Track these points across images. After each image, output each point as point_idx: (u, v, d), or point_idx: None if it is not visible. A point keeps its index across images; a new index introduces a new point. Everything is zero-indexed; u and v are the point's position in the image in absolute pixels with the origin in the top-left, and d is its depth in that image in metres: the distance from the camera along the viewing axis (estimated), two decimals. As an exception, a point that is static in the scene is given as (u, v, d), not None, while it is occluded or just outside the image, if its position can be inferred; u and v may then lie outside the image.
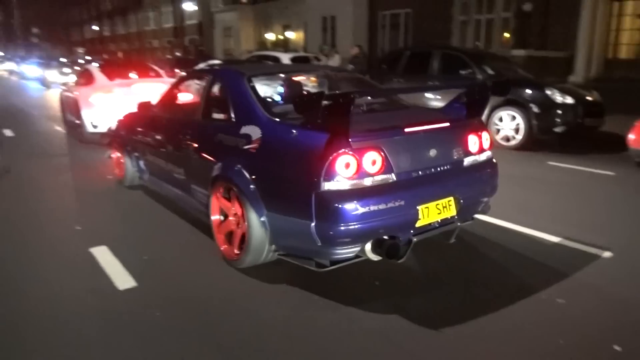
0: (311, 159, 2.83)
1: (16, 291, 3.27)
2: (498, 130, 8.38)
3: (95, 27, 57.71)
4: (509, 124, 8.23)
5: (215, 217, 3.64)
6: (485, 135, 3.49)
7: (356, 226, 2.79)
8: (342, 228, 2.78)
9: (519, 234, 4.22)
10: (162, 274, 3.50)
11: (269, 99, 3.89)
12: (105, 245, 3.97)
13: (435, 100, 8.60)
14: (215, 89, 4.04)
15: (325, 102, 2.81)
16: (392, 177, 2.96)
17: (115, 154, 5.77)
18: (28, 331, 2.80)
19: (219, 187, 3.53)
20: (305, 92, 3.95)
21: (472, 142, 3.38)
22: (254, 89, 3.63)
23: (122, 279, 3.39)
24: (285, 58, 13.53)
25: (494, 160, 3.61)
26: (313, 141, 2.88)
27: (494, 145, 3.63)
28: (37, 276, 3.49)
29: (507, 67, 9.55)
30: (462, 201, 3.22)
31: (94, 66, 9.79)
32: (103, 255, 3.79)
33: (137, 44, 44.71)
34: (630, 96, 10.25)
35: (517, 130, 8.15)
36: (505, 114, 8.26)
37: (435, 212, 3.09)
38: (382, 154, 2.91)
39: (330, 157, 2.77)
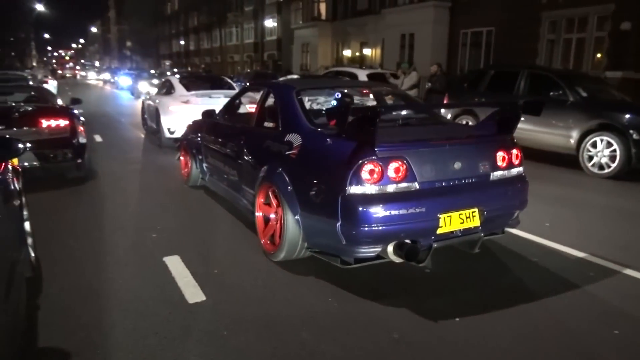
0: (340, 165, 3.13)
1: (90, 295, 3.30)
2: (590, 157, 7.72)
3: (182, 42, 60.88)
4: (603, 150, 7.56)
5: (259, 214, 4.01)
6: (514, 151, 3.62)
7: (377, 228, 3.03)
8: (364, 229, 3.03)
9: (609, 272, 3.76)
10: (231, 290, 3.41)
11: (318, 110, 4.24)
12: (178, 254, 3.96)
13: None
14: (268, 101, 4.47)
15: (352, 115, 3.18)
16: (415, 185, 3.18)
17: (183, 157, 6.33)
18: (95, 336, 2.78)
19: (264, 187, 3.90)
20: (336, 105, 4.25)
21: (500, 157, 3.54)
22: (300, 101, 4.01)
23: (192, 292, 3.33)
24: (362, 74, 13.39)
25: (524, 176, 3.72)
26: (342, 149, 3.19)
27: (521, 161, 3.72)
28: (113, 281, 3.52)
29: (602, 89, 8.85)
30: (486, 213, 3.37)
31: (174, 77, 10.47)
32: (175, 265, 3.77)
33: (220, 58, 46.62)
34: None
35: (612, 158, 7.46)
36: (600, 139, 7.61)
37: (457, 221, 3.26)
38: (406, 163, 3.15)
39: (356, 164, 3.06)
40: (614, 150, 7.43)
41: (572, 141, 7.98)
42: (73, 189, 6.12)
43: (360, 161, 3.06)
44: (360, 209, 3.03)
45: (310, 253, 3.59)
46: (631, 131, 7.27)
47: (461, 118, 9.89)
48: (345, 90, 4.85)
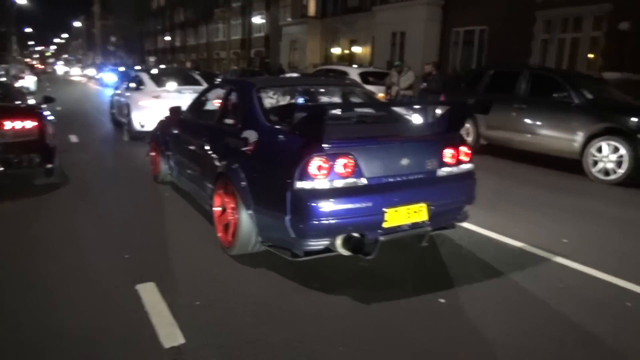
0: (289, 161, 3.23)
1: (43, 338, 2.75)
2: (595, 162, 7.33)
3: (167, 38, 59.88)
4: (610, 155, 7.17)
5: (216, 209, 4.10)
6: (463, 149, 3.76)
7: (325, 222, 3.14)
8: (312, 222, 3.13)
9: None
10: (216, 329, 2.88)
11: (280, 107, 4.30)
12: (153, 281, 3.42)
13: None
14: (231, 98, 4.52)
15: (301, 112, 3.38)
16: (363, 180, 3.30)
17: (153, 153, 6.30)
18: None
19: (221, 183, 4.00)
20: (283, 104, 4.33)
21: (449, 154, 3.66)
22: (259, 98, 4.10)
23: (169, 332, 2.80)
24: (354, 73, 12.96)
25: (472, 172, 3.83)
26: (292, 145, 3.32)
27: (471, 156, 3.84)
28: (73, 318, 2.97)
29: (606, 90, 8.47)
30: (433, 208, 3.48)
31: (144, 73, 10.72)
32: (150, 295, 3.24)
33: (206, 54, 45.77)
34: None
35: (619, 164, 7.07)
36: (606, 144, 7.21)
37: (405, 215, 3.38)
38: (354, 159, 3.26)
39: (304, 160, 3.16)
40: (621, 156, 7.03)
41: (576, 145, 7.58)
42: (39, 199, 5.54)
43: (308, 157, 3.16)
44: (308, 203, 3.13)
45: (264, 247, 3.68)
46: (639, 135, 6.88)
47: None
48: (312, 89, 4.98)
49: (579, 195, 6.44)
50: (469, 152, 3.81)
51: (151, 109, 8.83)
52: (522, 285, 3.57)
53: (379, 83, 11.95)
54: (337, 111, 4.22)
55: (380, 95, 10.62)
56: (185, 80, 10.47)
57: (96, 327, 2.85)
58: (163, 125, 6.11)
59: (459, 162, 3.73)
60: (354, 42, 26.23)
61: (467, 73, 11.88)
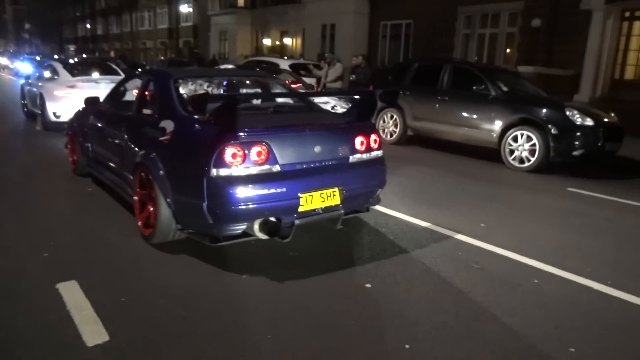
0: (205, 149, 3.34)
1: (-44, 343, 2.59)
2: (512, 152, 7.82)
3: (87, 25, 56.73)
4: (524, 145, 7.67)
5: (136, 198, 4.17)
6: (373, 136, 3.98)
7: (241, 207, 3.29)
8: (228, 208, 3.29)
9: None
10: (141, 325, 2.82)
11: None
12: (75, 279, 3.29)
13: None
14: (148, 88, 4.58)
15: (214, 102, 3.48)
16: (277, 167, 3.45)
17: (70, 145, 6.22)
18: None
19: (139, 172, 4.05)
20: (198, 94, 4.43)
21: (359, 142, 3.88)
22: (177, 89, 4.19)
23: (92, 330, 2.72)
24: (284, 64, 12.96)
25: (382, 158, 4.09)
26: (208, 134, 3.43)
27: (382, 144, 4.10)
28: (-13, 321, 2.80)
29: (519, 83, 9.03)
30: (345, 192, 3.70)
31: (57, 63, 10.68)
32: (72, 293, 3.12)
33: (131, 44, 43.88)
34: (638, 118, 9.80)
35: (532, 152, 7.59)
36: (520, 134, 7.71)
37: (319, 200, 3.57)
38: (267, 147, 3.41)
39: (219, 148, 3.28)
40: (534, 145, 7.55)
41: (494, 135, 8.04)
42: (-54, 197, 5.13)
43: (223, 145, 3.28)
44: (224, 189, 3.27)
45: (185, 235, 3.77)
46: (550, 126, 7.42)
47: (386, 111, 9.74)
48: (233, 80, 5.17)
49: (496, 182, 6.86)
50: (379, 140, 4.04)
51: (66, 99, 8.88)
52: (439, 267, 3.78)
53: (310, 75, 12.02)
54: (255, 101, 4.47)
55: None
56: (102, 70, 10.55)
57: (12, 329, 2.71)
58: (80, 116, 6.04)
59: (369, 149, 3.94)
60: (284, 34, 26.19)
61: (394, 66, 12.24)
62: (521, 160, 7.72)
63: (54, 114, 9.04)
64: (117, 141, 4.69)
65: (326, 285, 3.41)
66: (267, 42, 27.44)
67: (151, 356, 2.54)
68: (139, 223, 4.09)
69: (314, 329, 2.85)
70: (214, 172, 3.29)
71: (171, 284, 3.33)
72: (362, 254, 3.98)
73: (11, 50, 57.77)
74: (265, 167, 3.41)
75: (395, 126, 9.66)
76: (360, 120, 4.03)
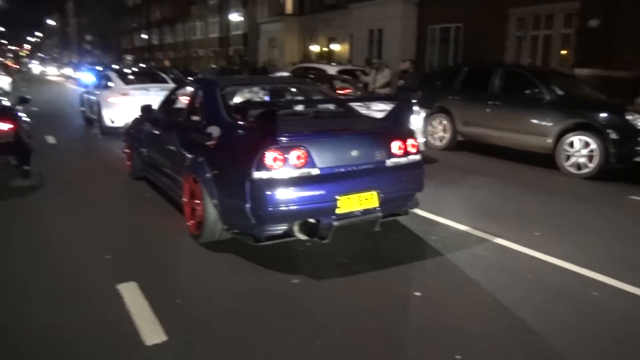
0: (248, 153, 3.58)
1: (26, 336, 2.77)
2: (568, 157, 7.53)
3: (144, 36, 59.03)
4: (581, 150, 7.37)
5: (185, 200, 4.42)
6: (410, 141, 4.10)
7: (281, 208, 3.50)
8: (269, 209, 3.50)
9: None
10: (197, 325, 2.92)
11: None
12: (134, 280, 3.45)
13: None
14: (197, 96, 4.86)
15: (255, 109, 3.89)
16: (315, 170, 3.61)
17: (128, 150, 6.56)
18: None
19: (188, 175, 4.32)
20: (242, 101, 4.70)
21: (396, 146, 4.01)
22: (223, 96, 4.49)
23: (151, 330, 2.84)
24: (332, 70, 13.00)
25: (420, 162, 4.19)
26: (250, 139, 3.72)
27: (420, 149, 4.22)
28: (55, 317, 2.98)
29: (576, 86, 8.70)
30: (382, 195, 3.84)
31: (112, 72, 11.75)
32: (132, 294, 3.26)
33: (184, 53, 45.28)
34: None
35: (590, 158, 7.28)
36: (577, 139, 7.42)
37: (356, 202, 3.73)
38: (306, 151, 3.58)
39: (261, 152, 3.49)
40: (592, 150, 7.25)
41: (549, 141, 7.78)
42: (16, 200, 5.48)
43: (264, 149, 3.49)
44: (265, 192, 3.48)
45: (230, 235, 3.98)
46: (609, 130, 7.10)
47: (435, 116, 9.61)
48: (278, 87, 5.40)
49: (552, 189, 6.62)
50: (416, 144, 4.17)
51: (120, 106, 9.65)
52: (490, 276, 3.69)
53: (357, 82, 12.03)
54: (296, 107, 4.72)
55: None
56: (152, 78, 11.65)
57: (75, 327, 2.87)
58: (136, 122, 6.41)
59: (406, 153, 4.06)
60: (332, 40, 26.31)
61: (443, 71, 12.06)
62: (578, 167, 7.42)
63: (110, 119, 9.81)
64: (168, 146, 4.98)
65: (375, 292, 3.42)
66: (314, 48, 27.66)
67: (207, 356, 2.62)
68: (188, 223, 4.32)
69: (363, 337, 2.84)
70: (255, 175, 3.49)
71: (223, 286, 3.44)
72: (411, 261, 3.96)
73: (74, 61, 60.90)
74: (304, 170, 3.57)
75: (445, 131, 9.51)
76: (398, 125, 4.19)
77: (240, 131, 3.96)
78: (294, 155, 3.54)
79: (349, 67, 15.02)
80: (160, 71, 14.03)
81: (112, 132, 9.62)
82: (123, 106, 9.49)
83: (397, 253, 4.12)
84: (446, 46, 18.54)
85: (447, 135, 9.46)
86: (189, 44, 44.51)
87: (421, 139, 7.12)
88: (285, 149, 3.52)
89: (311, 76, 10.56)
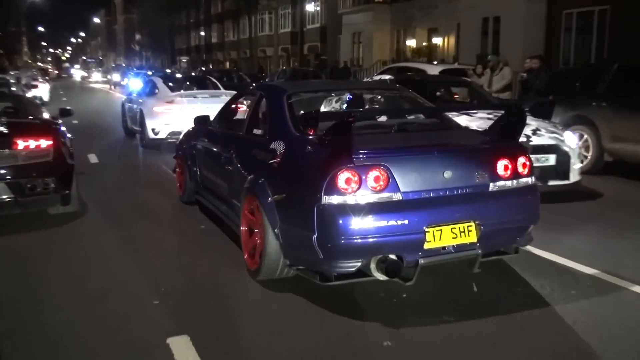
0: (316, 173, 3.68)
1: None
2: None
3: (202, 33, 62.19)
4: None
5: (243, 229, 4.61)
6: (521, 159, 4.07)
7: (355, 241, 3.56)
8: (341, 241, 3.56)
9: None
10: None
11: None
12: (187, 333, 3.56)
13: None
14: (260, 106, 5.11)
15: (326, 121, 3.96)
16: (398, 195, 3.66)
17: (179, 169, 6.97)
18: None
19: (248, 199, 4.49)
20: (311, 111, 4.68)
21: (502, 166, 3.99)
22: (290, 105, 4.63)
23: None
24: (434, 71, 12.98)
25: (534, 187, 4.17)
26: (320, 157, 3.82)
27: (531, 169, 4.16)
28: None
29: None
30: (482, 227, 3.82)
31: (158, 78, 13.09)
32: (184, 351, 3.37)
33: (249, 52, 47.11)
34: None
35: None
36: None
37: (449, 235, 3.73)
38: (387, 171, 3.64)
39: (332, 173, 3.57)
40: None
41: None
42: (53, 232, 5.90)
43: (336, 169, 3.57)
44: (336, 220, 3.55)
45: (294, 272, 4.13)
46: None
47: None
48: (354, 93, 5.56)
49: None
50: (529, 163, 4.13)
51: (165, 115, 10.82)
52: (622, 334, 3.46)
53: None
54: (380, 119, 4.82)
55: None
56: (201, 84, 13.07)
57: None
58: (189, 137, 6.82)
59: (515, 175, 4.04)
60: (433, 32, 26.32)
61: (584, 69, 11.61)
62: None
63: (153, 130, 10.90)
64: (225, 165, 5.24)
65: (456, 343, 3.44)
66: (410, 43, 27.79)
67: None
68: (245, 256, 4.53)
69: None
70: (325, 199, 3.58)
71: (287, 344, 3.46)
72: (507, 307, 3.96)
73: (122, 64, 65.09)
74: (385, 194, 3.64)
75: (587, 149, 9.10)
76: (505, 139, 4.22)
77: (308, 147, 4.09)
78: (372, 177, 3.61)
79: (455, 66, 14.94)
80: (221, 74, 15.94)
81: (154, 145, 10.95)
82: (168, 115, 10.73)
83: (491, 297, 4.15)
84: (586, 36, 17.94)
85: (590, 154, 9.03)
86: (255, 41, 46.24)
87: (576, 164, 6.88)
88: (362, 169, 3.60)
89: (409, 79, 10.50)
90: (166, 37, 65.03)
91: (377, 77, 13.81)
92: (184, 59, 66.50)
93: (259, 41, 46.16)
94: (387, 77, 11.66)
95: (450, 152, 4.02)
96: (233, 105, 6.27)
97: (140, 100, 11.92)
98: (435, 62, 17.52)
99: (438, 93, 9.06)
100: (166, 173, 8.50)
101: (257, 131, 4.95)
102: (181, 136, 7.42)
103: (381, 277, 3.66)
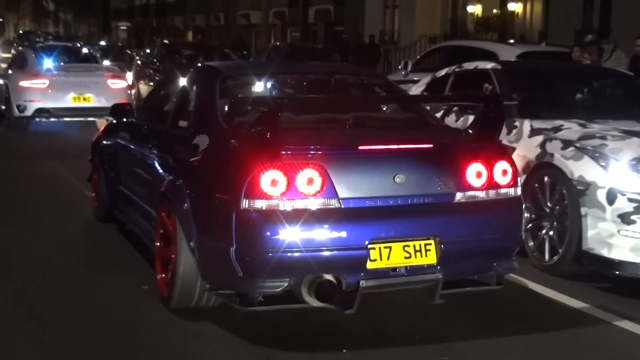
0: (236, 173, 4.24)
1: None
2: None
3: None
4: None
5: (157, 244, 5.20)
6: (500, 164, 4.62)
7: (279, 254, 4.06)
8: (261, 255, 4.09)
9: None
10: None
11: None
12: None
13: None
14: (190, 92, 5.74)
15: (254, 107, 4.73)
16: (334, 202, 4.20)
17: (95, 175, 7.66)
18: None
19: (163, 206, 5.08)
20: (238, 98, 5.45)
21: (474, 171, 4.50)
22: (223, 91, 5.40)
23: None
24: (510, 53, 12.98)
25: (518, 200, 4.79)
26: (241, 153, 4.37)
27: (517, 176, 4.78)
28: None
29: None
30: (444, 246, 4.33)
31: (28, 50, 18.38)
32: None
33: (223, 19, 47.26)
34: None
35: None
36: None
37: (400, 254, 4.23)
38: (323, 172, 4.15)
39: (253, 171, 4.08)
40: None
41: None
42: None
43: (258, 167, 4.07)
44: (257, 228, 4.08)
45: (215, 298, 4.70)
46: None
47: None
48: (311, 78, 6.39)
49: None
50: (511, 169, 4.68)
51: (31, 91, 14.37)
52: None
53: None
54: (337, 114, 5.28)
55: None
56: (77, 57, 18.01)
57: None
58: (107, 132, 7.62)
59: (491, 184, 4.58)
60: (508, -5, 26.49)
61: None
62: None
63: (18, 107, 14.33)
64: (144, 167, 5.90)
65: None
66: (474, 9, 27.98)
67: None
68: (159, 276, 5.10)
69: None
70: (244, 203, 4.08)
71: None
72: (482, 344, 4.58)
73: (29, 32, 65.07)
74: (319, 200, 4.16)
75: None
76: (480, 137, 4.83)
77: (232, 141, 4.61)
78: (303, 178, 4.12)
79: (542, 47, 14.95)
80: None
81: (21, 125, 14.37)
82: (35, 92, 14.34)
83: (466, 329, 4.79)
84: None
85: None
86: (233, 2, 46.36)
87: None
88: (290, 168, 4.11)
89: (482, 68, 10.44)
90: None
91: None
92: (123, 26, 67.00)
93: (240, 1, 46.02)
94: (490, 65, 9.44)
95: (404, 152, 4.52)
96: (162, 91, 6.88)
97: (8, 74, 15.78)
98: (511, 41, 17.63)
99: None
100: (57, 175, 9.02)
101: (182, 123, 5.51)
102: (99, 132, 8.12)
103: (314, 302, 4.15)
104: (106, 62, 23.13)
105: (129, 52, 29.76)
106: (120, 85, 15.48)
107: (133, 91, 19.41)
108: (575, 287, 5.74)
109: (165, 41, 29.27)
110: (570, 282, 5.84)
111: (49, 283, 5.73)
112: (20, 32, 68.04)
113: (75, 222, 7.61)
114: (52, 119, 14.93)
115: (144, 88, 18.21)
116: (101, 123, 12.84)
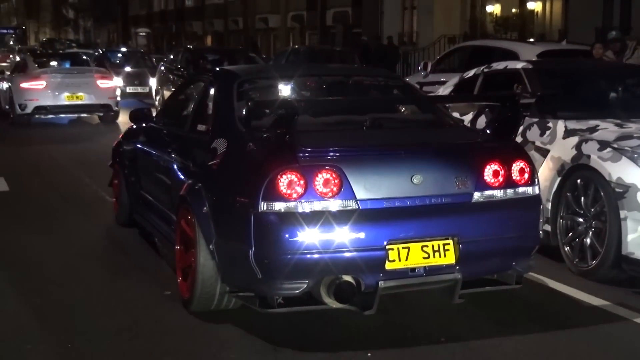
0: (254, 175, 4.38)
1: None
2: None
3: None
4: None
5: (178, 247, 5.37)
6: (518, 164, 4.74)
7: (297, 256, 4.20)
8: (280, 257, 4.22)
9: None
10: None
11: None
12: None
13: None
14: (207, 95, 5.92)
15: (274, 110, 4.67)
16: (352, 203, 4.32)
17: (116, 181, 7.90)
18: None
19: (182, 210, 5.24)
20: (256, 101, 5.49)
21: (492, 171, 4.62)
22: (241, 95, 5.52)
23: None
24: (530, 53, 12.92)
25: (536, 199, 4.89)
26: (259, 156, 4.57)
27: (534, 176, 4.90)
28: None
29: None
30: (462, 246, 4.44)
31: (28, 55, 22.11)
32: None
33: (241, 23, 47.38)
34: None
35: None
36: None
37: (419, 255, 4.36)
38: (340, 174, 4.28)
39: (271, 174, 4.22)
40: None
41: None
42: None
43: (276, 170, 4.22)
44: (275, 230, 4.22)
45: (236, 301, 4.84)
46: None
47: None
48: (328, 81, 6.44)
49: None
50: (528, 168, 4.80)
51: (31, 91, 17.39)
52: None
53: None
54: (351, 116, 5.42)
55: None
56: (73, 60, 21.20)
57: None
58: (127, 137, 7.87)
59: (509, 183, 4.69)
60: (528, -8, 26.39)
61: None
62: None
63: (20, 105, 17.26)
64: (165, 172, 6.12)
65: None
66: (493, 9, 27.88)
67: None
68: (179, 279, 5.27)
69: None
70: (263, 205, 4.21)
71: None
72: (507, 344, 4.65)
73: (49, 40, 65.48)
74: (337, 201, 4.29)
75: None
76: (497, 137, 4.98)
77: (250, 145, 4.81)
78: (320, 180, 4.25)
79: (563, 45, 14.87)
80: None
81: (24, 122, 17.50)
82: (34, 91, 17.37)
83: (491, 331, 4.85)
84: None
85: None
86: (251, 5, 46.44)
87: None
88: (308, 170, 4.26)
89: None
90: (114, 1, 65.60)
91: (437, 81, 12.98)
92: (142, 32, 67.25)
93: (258, 5, 46.18)
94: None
95: (421, 152, 4.70)
96: (181, 96, 7.14)
97: (11, 78, 18.67)
98: (531, 40, 17.53)
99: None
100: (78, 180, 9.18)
101: (201, 127, 5.66)
102: (119, 137, 8.34)
103: (333, 303, 4.30)
104: (127, 68, 25.98)
105: (152, 58, 30.58)
106: (108, 85, 18.42)
107: (158, 97, 21.41)
108: (593, 283, 5.79)
109: (190, 46, 30.44)
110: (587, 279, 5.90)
111: (72, 289, 5.84)
112: (44, 40, 68.83)
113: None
114: (50, 116, 18.10)
115: (169, 94, 18.19)
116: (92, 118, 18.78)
